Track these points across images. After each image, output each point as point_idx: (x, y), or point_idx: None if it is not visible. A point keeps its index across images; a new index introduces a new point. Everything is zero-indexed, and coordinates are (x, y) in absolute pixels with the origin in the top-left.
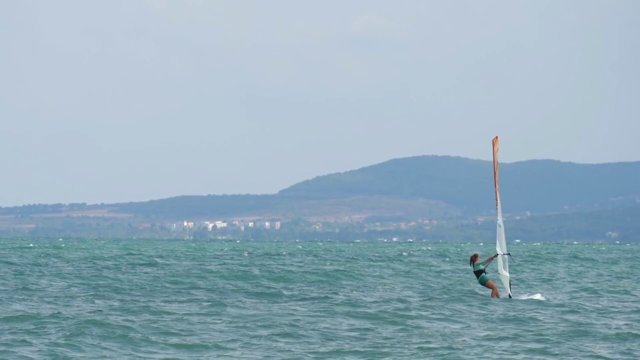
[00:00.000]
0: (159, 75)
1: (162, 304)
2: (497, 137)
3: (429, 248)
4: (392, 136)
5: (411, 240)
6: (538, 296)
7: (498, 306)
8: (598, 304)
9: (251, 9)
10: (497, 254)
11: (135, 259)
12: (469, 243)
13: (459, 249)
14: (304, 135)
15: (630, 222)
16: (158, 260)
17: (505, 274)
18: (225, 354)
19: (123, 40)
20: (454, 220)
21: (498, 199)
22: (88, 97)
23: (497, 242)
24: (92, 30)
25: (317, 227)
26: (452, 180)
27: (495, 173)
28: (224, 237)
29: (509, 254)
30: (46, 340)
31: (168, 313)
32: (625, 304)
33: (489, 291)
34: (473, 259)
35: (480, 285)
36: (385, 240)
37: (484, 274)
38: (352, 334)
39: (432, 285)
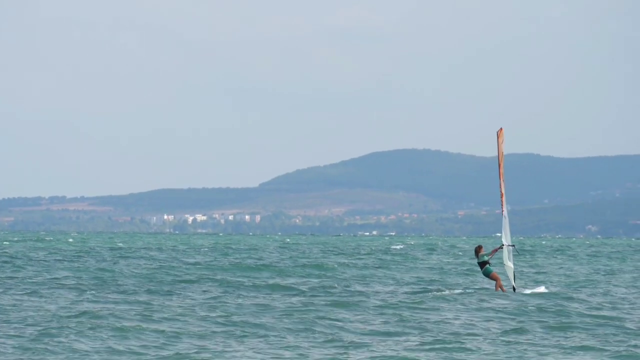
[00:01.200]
0: (141, 68)
1: (160, 296)
2: (501, 128)
3: (416, 242)
4: (373, 129)
5: (392, 233)
6: (542, 289)
7: (501, 299)
8: (597, 297)
9: (237, 1)
10: (503, 245)
11: (125, 252)
12: (451, 236)
13: (440, 242)
14: (285, 127)
15: (610, 216)
16: (148, 252)
17: (509, 265)
18: (227, 347)
19: (108, 30)
20: (434, 214)
21: (503, 190)
22: (70, 89)
23: (502, 233)
24: (78, 20)
25: (298, 220)
26: (432, 174)
27: (499, 164)
28: (204, 231)
29: (513, 246)
30: (36, 333)
31: (165, 306)
32: (626, 297)
33: (493, 283)
34: (477, 250)
35: (484, 277)
36: (367, 233)
37: (488, 266)
38: (349, 325)
39: (426, 277)
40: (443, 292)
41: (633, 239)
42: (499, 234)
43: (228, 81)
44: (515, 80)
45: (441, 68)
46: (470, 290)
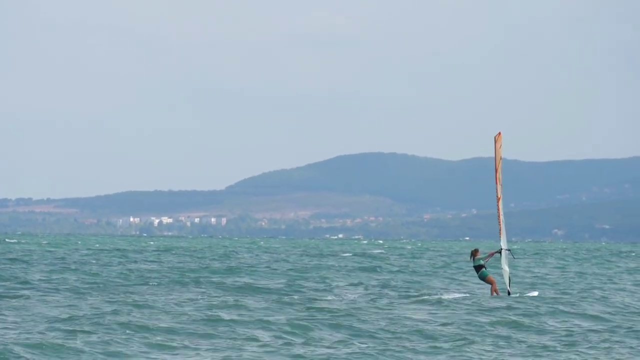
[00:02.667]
0: (107, 69)
1: (152, 298)
2: (499, 132)
3: (390, 245)
4: (339, 133)
5: (359, 237)
6: (535, 293)
7: (494, 303)
8: (589, 300)
9: (204, 3)
10: (501, 249)
11: (105, 254)
12: (419, 240)
13: (411, 245)
14: (251, 130)
15: (577, 220)
16: (132, 255)
17: (505, 269)
18: (208, 348)
19: (69, 30)
20: (400, 218)
21: (500, 194)
22: (36, 90)
23: (500, 237)
24: (39, 20)
25: (263, 223)
26: (398, 178)
27: (497, 169)
28: (170, 233)
29: (508, 250)
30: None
31: (158, 308)
32: (613, 299)
33: (487, 287)
34: (474, 253)
35: (479, 280)
36: (335, 237)
37: (483, 269)
38: (334, 325)
39: (415, 280)
40: (432, 295)
41: (604, 242)
42: (467, 238)
43: (194, 83)
44: (482, 85)
45: (408, 72)
46: (460, 294)
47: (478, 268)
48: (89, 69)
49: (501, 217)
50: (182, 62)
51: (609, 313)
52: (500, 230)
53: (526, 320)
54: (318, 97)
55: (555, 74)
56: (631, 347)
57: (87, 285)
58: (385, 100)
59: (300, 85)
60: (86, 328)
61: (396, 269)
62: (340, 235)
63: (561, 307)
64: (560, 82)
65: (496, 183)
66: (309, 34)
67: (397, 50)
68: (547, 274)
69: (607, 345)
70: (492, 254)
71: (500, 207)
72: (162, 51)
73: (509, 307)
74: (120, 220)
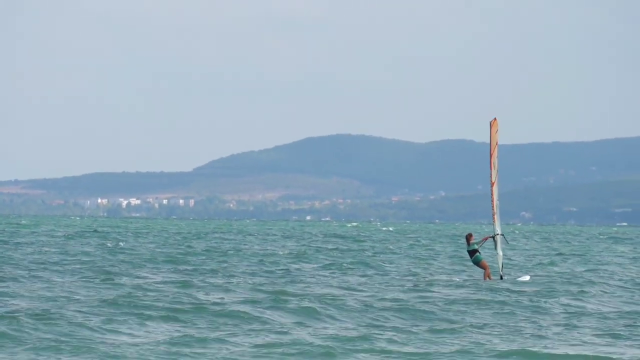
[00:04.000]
0: (73, 50)
1: (133, 280)
2: (495, 118)
3: (366, 227)
4: (307, 115)
5: (327, 218)
6: (527, 278)
7: (487, 287)
8: (581, 285)
9: None
10: (497, 234)
11: (86, 236)
12: (389, 222)
13: (387, 227)
14: (219, 112)
15: (543, 203)
16: (111, 237)
17: (500, 253)
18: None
19: (42, 12)
20: (368, 200)
21: (494, 179)
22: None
23: (495, 221)
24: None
25: (232, 205)
26: (367, 160)
27: (491, 154)
28: (138, 215)
29: (502, 235)
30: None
31: (140, 288)
32: (610, 284)
33: (480, 271)
34: (468, 238)
35: (472, 265)
36: (306, 218)
37: (477, 254)
38: (328, 312)
39: (405, 265)
40: (414, 277)
41: (577, 226)
42: (437, 220)
43: (164, 64)
44: (452, 69)
45: (378, 56)
46: (444, 276)
47: (472, 252)
48: (57, 51)
49: (495, 202)
50: (151, 44)
51: (601, 294)
52: (494, 215)
53: (518, 303)
54: (288, 79)
55: (524, 59)
56: (623, 329)
57: (70, 267)
58: (354, 82)
59: (270, 67)
60: (76, 307)
61: (373, 250)
62: (309, 217)
63: (552, 291)
64: (528, 66)
65: (490, 168)
66: (280, 17)
67: (368, 33)
68: (532, 258)
69: (602, 327)
70: (486, 239)
71: (495, 192)
72: (131, 33)
73: (498, 291)
74: (88, 202)
